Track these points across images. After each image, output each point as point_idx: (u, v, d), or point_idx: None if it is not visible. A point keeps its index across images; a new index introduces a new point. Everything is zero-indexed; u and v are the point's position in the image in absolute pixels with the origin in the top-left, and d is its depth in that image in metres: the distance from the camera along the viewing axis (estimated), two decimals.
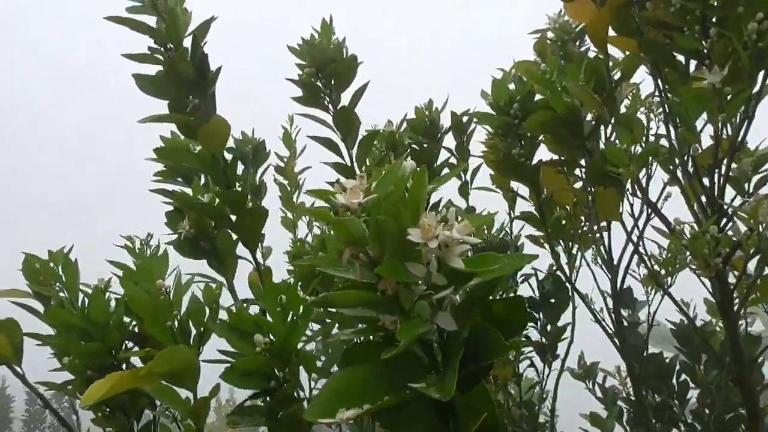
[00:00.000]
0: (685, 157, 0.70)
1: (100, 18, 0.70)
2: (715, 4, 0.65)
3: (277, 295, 0.63)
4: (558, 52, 1.15)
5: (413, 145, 1.11)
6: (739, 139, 0.66)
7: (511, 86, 0.98)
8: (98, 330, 0.79)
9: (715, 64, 0.64)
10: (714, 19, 0.65)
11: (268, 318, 0.63)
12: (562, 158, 0.89)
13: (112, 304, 0.80)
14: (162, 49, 0.74)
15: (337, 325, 0.67)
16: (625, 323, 1.40)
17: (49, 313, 0.78)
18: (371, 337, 0.43)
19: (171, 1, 0.72)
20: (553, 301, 1.39)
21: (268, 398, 0.62)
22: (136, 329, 0.81)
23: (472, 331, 0.41)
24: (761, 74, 0.64)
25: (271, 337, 0.60)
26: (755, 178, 0.73)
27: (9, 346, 0.90)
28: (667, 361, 1.25)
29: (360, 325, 0.44)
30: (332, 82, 0.94)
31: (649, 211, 0.80)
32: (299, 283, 0.74)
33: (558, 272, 1.22)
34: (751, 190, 0.72)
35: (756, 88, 0.64)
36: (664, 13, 0.67)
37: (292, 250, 1.20)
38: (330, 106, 0.97)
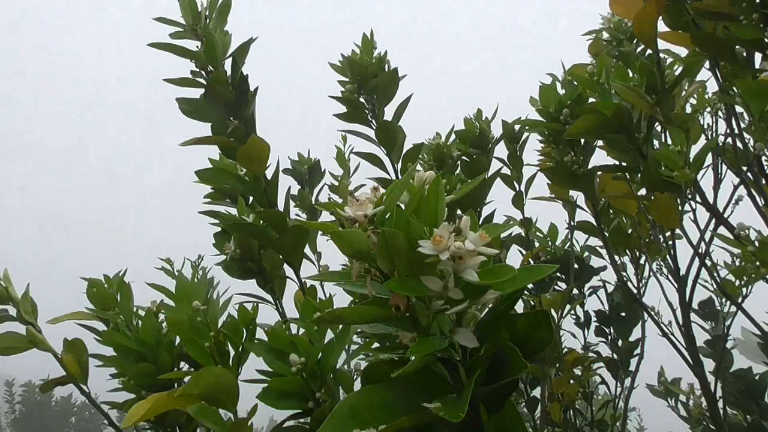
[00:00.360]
0: (752, 157, 0.64)
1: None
2: None
3: (312, 312, 0.62)
4: (614, 53, 1.11)
5: (463, 157, 1.08)
6: None
7: (561, 90, 0.94)
8: (150, 351, 0.81)
9: None
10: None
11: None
12: (617, 163, 0.84)
13: (165, 325, 0.82)
14: (203, 72, 0.75)
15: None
16: (709, 336, 1.31)
17: (104, 335, 0.81)
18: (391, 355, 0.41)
19: (211, 25, 0.73)
20: (623, 314, 1.33)
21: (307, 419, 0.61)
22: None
23: (497, 348, 0.38)
24: None
25: (305, 356, 0.59)
26: None
27: (76, 366, 0.94)
28: (757, 378, 1.15)
29: (381, 343, 0.42)
30: (374, 97, 0.93)
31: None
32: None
33: (627, 284, 1.16)
34: None
35: None
36: (716, 2, 0.62)
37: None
38: (373, 121, 0.96)
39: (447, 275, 0.38)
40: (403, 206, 0.40)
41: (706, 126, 0.89)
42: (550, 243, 1.31)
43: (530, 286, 1.20)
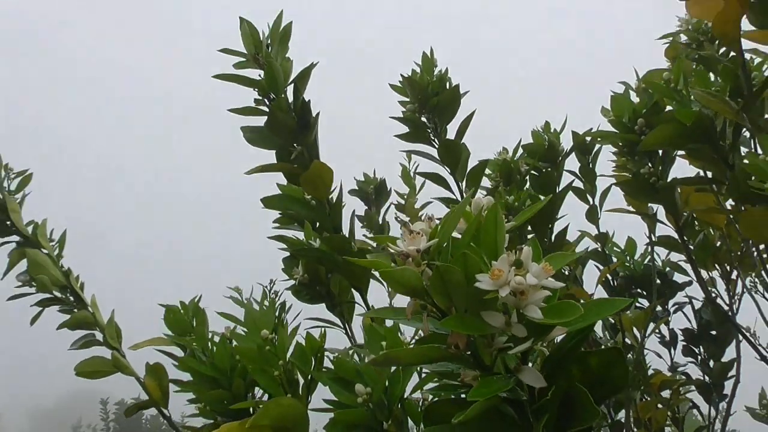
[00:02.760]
0: None
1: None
2: None
3: (379, 340, 0.61)
4: (693, 57, 1.04)
5: (532, 171, 1.05)
6: None
7: (635, 98, 0.89)
8: (224, 377, 0.82)
9: None
10: None
11: None
12: (701, 174, 0.78)
13: None
14: (266, 100, 0.76)
15: None
16: None
17: (181, 361, 0.83)
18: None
19: (272, 53, 0.74)
20: (714, 333, 1.23)
21: None
22: None
23: (567, 389, 0.36)
24: None
25: (371, 386, 0.58)
26: None
27: (158, 390, 0.98)
28: None
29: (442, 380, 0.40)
30: (436, 115, 0.91)
31: None
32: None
33: (717, 300, 1.08)
34: None
35: None
36: None
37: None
38: (435, 140, 0.94)
39: (510, 310, 0.35)
40: (459, 235, 0.38)
41: None
42: (628, 258, 1.24)
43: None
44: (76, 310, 0.97)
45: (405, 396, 0.61)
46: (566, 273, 1.07)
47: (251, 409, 0.83)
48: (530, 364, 0.37)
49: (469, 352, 0.36)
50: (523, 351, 0.36)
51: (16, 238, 0.96)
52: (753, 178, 0.62)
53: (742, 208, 0.68)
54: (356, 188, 1.43)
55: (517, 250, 0.35)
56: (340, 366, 0.60)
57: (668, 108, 0.82)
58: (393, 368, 0.61)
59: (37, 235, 0.95)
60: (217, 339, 0.87)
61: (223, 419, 0.84)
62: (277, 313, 0.80)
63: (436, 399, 0.40)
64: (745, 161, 0.62)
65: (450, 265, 0.33)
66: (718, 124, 0.70)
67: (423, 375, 0.64)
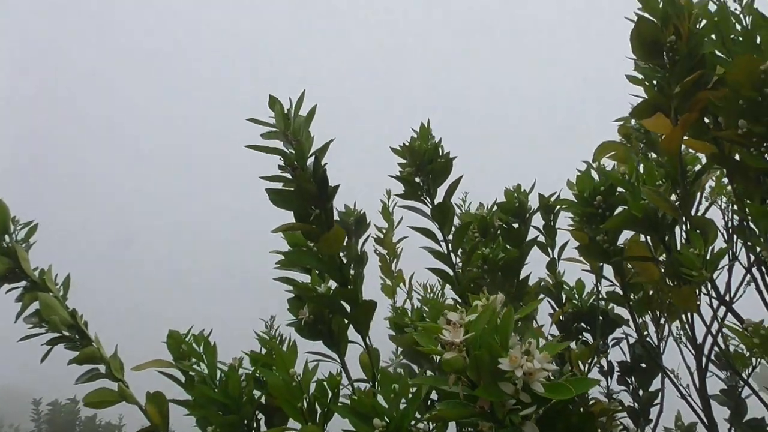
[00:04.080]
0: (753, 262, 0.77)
1: None
2: None
3: (391, 383, 0.75)
4: (641, 138, 1.24)
5: (504, 226, 1.21)
6: None
7: (595, 176, 1.07)
8: (234, 403, 0.94)
9: None
10: None
11: (381, 400, 0.75)
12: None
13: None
14: (290, 167, 0.89)
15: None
16: (725, 386, 1.41)
17: (195, 389, 0.94)
18: None
19: (297, 127, 0.88)
20: (644, 366, 1.43)
21: None
22: (263, 401, 0.96)
23: None
24: None
25: (386, 419, 0.72)
26: None
27: (158, 415, 1.08)
28: None
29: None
30: (430, 178, 1.07)
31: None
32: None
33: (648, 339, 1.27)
34: None
35: None
36: (731, 134, 0.75)
37: (393, 318, 1.33)
38: (427, 199, 1.09)
39: (517, 383, 0.51)
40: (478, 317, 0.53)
41: (722, 221, 1.01)
42: (576, 296, 1.43)
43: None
44: (81, 346, 1.06)
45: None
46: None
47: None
48: (529, 420, 0.53)
49: (489, 411, 0.51)
50: (529, 413, 0.51)
51: (23, 283, 1.05)
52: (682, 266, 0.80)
53: (676, 284, 0.87)
54: (337, 218, 1.57)
55: (528, 342, 0.50)
56: (359, 402, 0.74)
57: (619, 189, 1.00)
58: (401, 405, 0.75)
59: (45, 280, 1.04)
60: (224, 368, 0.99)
61: None
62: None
63: None
64: (678, 252, 0.79)
65: (483, 354, 0.48)
66: (659, 213, 0.88)
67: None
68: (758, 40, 0.75)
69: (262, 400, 0.97)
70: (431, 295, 1.62)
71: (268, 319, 1.07)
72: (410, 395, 0.74)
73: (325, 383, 0.79)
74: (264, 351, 1.03)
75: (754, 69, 0.72)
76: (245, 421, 0.93)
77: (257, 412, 0.98)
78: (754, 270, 0.79)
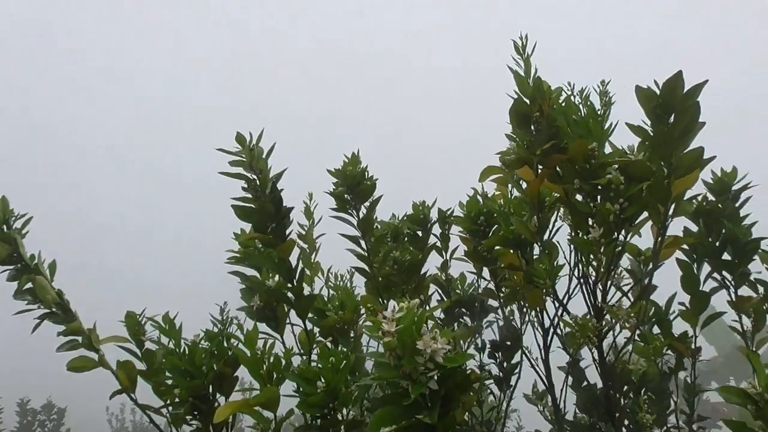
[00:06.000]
0: (579, 272, 1.14)
1: None
2: (600, 187, 1.09)
3: (329, 356, 1.04)
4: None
5: (410, 233, 1.53)
6: (612, 267, 1.09)
7: (480, 201, 1.41)
8: (197, 371, 1.19)
9: (597, 224, 1.07)
10: (597, 197, 1.09)
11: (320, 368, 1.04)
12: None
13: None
14: (253, 191, 1.15)
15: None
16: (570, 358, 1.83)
17: (167, 359, 1.18)
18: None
19: (261, 163, 1.13)
20: (509, 344, 1.83)
21: (323, 420, 1.03)
22: (217, 371, 1.22)
23: (447, 390, 0.83)
24: (622, 233, 1.07)
25: (325, 382, 1.01)
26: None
27: (127, 380, 1.30)
28: (598, 392, 1.68)
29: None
30: (357, 196, 1.36)
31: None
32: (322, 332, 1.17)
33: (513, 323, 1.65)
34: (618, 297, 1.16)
35: (621, 239, 1.08)
36: (570, 187, 1.10)
37: (316, 304, 1.61)
38: (353, 212, 1.39)
39: (426, 356, 0.82)
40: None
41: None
42: (459, 287, 1.79)
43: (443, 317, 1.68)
44: (66, 321, 1.26)
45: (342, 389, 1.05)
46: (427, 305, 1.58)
47: (216, 393, 1.22)
48: (432, 380, 0.84)
49: (409, 374, 0.82)
50: (431, 375, 0.82)
51: (18, 266, 1.23)
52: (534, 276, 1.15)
53: (531, 286, 1.23)
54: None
55: (434, 331, 0.82)
56: (306, 371, 1.03)
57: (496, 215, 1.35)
58: (337, 372, 1.04)
59: (37, 265, 1.23)
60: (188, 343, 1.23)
61: (194, 400, 1.21)
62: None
63: (386, 393, 0.85)
64: (531, 267, 1.15)
65: (407, 339, 0.79)
66: (523, 236, 1.23)
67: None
68: (590, 124, 1.11)
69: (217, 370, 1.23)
70: (341, 283, 1.92)
71: (221, 305, 1.32)
72: (341, 366, 1.04)
73: (281, 356, 1.07)
74: (216, 330, 1.29)
75: (584, 148, 1.07)
76: (207, 385, 1.19)
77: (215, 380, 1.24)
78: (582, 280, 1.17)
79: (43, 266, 1.24)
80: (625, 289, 1.18)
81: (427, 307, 1.69)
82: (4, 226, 1.18)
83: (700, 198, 1.44)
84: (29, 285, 1.21)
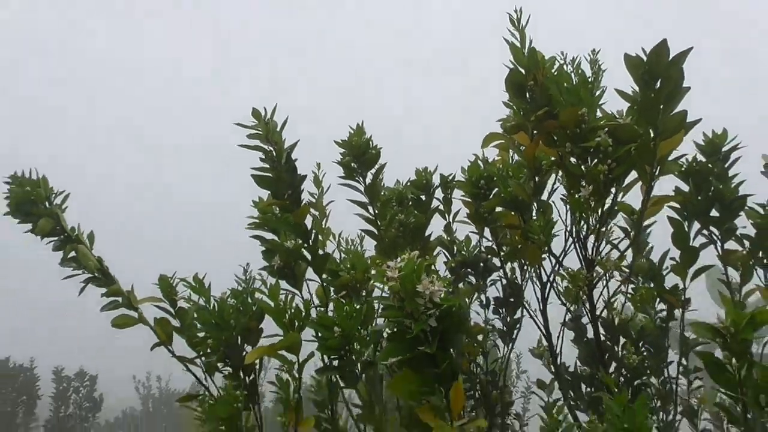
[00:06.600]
0: (574, 231, 1.25)
1: None
2: (591, 150, 1.19)
3: (343, 307, 1.16)
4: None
5: (414, 197, 1.65)
6: (602, 224, 1.20)
7: (481, 166, 1.52)
8: (226, 324, 1.33)
9: (587, 184, 1.18)
10: (587, 159, 1.19)
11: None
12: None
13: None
14: (270, 161, 1.26)
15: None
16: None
17: (199, 314, 1.32)
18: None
19: (276, 136, 1.25)
20: (512, 300, 1.95)
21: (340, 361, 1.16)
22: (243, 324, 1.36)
23: (444, 327, 0.95)
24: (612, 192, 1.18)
25: (340, 329, 1.14)
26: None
27: (164, 335, 1.44)
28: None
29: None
30: (363, 165, 1.47)
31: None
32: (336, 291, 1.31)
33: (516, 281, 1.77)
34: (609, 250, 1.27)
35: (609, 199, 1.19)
36: (563, 150, 1.21)
37: (329, 265, 1.74)
38: (360, 179, 1.50)
39: (425, 298, 0.94)
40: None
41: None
42: (465, 249, 1.91)
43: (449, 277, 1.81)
44: (107, 284, 1.40)
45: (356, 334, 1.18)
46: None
47: (244, 344, 1.35)
48: (432, 318, 0.96)
49: (412, 313, 0.94)
50: (431, 313, 0.94)
51: (61, 237, 1.36)
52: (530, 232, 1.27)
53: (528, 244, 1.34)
54: None
55: (432, 276, 0.93)
56: (324, 318, 1.15)
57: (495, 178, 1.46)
58: (351, 319, 1.17)
59: (78, 235, 1.37)
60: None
61: (225, 349, 1.35)
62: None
63: (392, 331, 0.98)
64: (528, 223, 1.26)
65: (408, 283, 0.91)
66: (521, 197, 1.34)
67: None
68: (581, 92, 1.21)
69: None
70: (352, 247, 2.05)
71: (244, 266, 1.45)
72: (354, 314, 1.17)
73: (300, 306, 1.20)
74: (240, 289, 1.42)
75: (575, 114, 1.17)
76: (236, 336, 1.32)
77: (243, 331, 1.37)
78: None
79: (83, 236, 1.37)
80: (615, 242, 1.29)
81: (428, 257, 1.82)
82: (47, 203, 1.31)
83: (690, 159, 1.53)
84: (72, 253, 1.34)
